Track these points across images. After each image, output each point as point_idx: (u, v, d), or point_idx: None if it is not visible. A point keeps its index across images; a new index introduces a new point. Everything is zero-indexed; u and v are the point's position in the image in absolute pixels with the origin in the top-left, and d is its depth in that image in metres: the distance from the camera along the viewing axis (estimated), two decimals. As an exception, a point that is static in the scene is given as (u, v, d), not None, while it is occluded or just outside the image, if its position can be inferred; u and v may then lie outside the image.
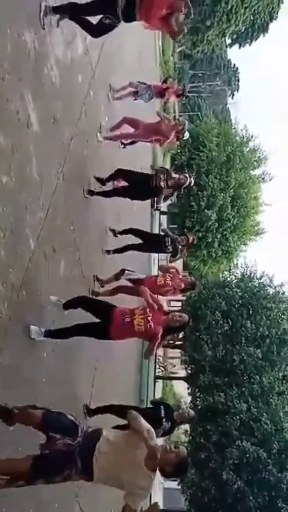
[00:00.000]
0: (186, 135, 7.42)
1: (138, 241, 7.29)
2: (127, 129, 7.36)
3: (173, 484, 22.82)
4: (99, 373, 6.36)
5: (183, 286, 6.43)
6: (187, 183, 6.90)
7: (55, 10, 4.12)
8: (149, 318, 4.22)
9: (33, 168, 3.84)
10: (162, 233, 7.80)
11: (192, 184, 7.34)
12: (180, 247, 7.07)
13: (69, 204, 5.06)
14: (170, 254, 7.35)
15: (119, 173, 6.60)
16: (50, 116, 4.34)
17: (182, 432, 22.39)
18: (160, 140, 7.31)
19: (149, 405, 6.42)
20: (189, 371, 19.34)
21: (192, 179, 7.29)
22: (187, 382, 20.34)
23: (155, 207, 20.89)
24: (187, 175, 7.04)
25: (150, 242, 7.47)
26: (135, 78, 8.19)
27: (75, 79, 5.46)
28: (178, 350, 24.31)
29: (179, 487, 19.91)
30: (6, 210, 3.29)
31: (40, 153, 3.96)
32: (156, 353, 4.57)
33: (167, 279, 6.36)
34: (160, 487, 26.46)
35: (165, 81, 8.21)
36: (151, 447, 2.79)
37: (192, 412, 5.49)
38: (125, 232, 7.37)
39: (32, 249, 3.81)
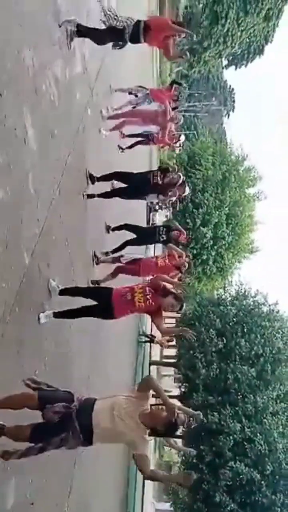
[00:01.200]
0: (182, 138, 7.59)
1: (132, 236, 7.42)
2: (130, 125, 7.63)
3: (166, 506, 22.39)
4: (92, 382, 6.26)
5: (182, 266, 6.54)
6: (180, 181, 7.07)
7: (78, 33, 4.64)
8: (147, 296, 4.43)
9: (29, 184, 3.83)
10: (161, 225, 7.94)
11: (187, 189, 7.45)
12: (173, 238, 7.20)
13: (65, 219, 5.05)
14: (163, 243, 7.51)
15: (116, 175, 6.74)
16: (47, 132, 4.36)
17: (175, 451, 22.08)
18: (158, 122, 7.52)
19: None
20: (183, 390, 19.14)
21: (187, 188, 7.47)
22: (180, 400, 20.12)
23: (151, 224, 21.00)
24: (180, 174, 7.21)
25: (144, 235, 7.61)
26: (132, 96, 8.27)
27: (73, 96, 5.51)
28: (172, 368, 24.14)
29: (172, 508, 19.54)
30: (1, 224, 3.27)
31: (36, 169, 3.96)
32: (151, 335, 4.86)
33: (166, 261, 6.50)
34: (151, 508, 25.93)
35: (171, 84, 8.36)
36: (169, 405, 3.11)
37: (182, 416, 5.33)
38: (119, 228, 7.48)
39: (27, 265, 3.78)
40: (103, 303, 4.54)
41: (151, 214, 19.55)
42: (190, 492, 16.13)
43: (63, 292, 4.49)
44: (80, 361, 5.70)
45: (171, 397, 27.01)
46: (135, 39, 4.98)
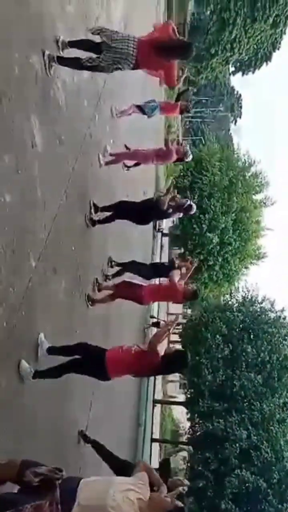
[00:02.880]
0: (190, 156, 7.51)
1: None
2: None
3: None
4: (96, 397, 6.24)
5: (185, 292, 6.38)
6: (186, 204, 6.96)
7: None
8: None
9: (36, 189, 3.85)
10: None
11: (193, 208, 7.41)
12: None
13: (72, 224, 5.07)
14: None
15: (121, 205, 6.58)
16: (55, 137, 4.38)
17: (180, 458, 21.93)
18: (162, 160, 7.47)
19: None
20: (188, 396, 19.03)
21: (192, 203, 7.38)
22: (186, 407, 20.02)
23: (157, 229, 20.99)
24: (187, 199, 7.18)
25: (147, 272, 7.33)
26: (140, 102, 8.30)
27: (81, 102, 5.54)
28: (177, 374, 23.99)
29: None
30: (8, 229, 3.28)
31: (44, 174, 3.98)
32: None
33: (170, 287, 6.33)
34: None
35: (178, 99, 8.35)
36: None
37: (186, 483, 5.16)
38: (122, 266, 7.20)
39: (33, 269, 3.78)
40: (96, 364, 4.01)
41: (157, 221, 19.49)
42: (196, 500, 16.00)
43: (51, 350, 3.95)
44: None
45: (176, 403, 26.76)
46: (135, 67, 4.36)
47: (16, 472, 2.58)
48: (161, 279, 6.92)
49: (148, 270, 7.29)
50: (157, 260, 17.97)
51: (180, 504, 2.77)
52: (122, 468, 4.69)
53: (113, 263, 7.28)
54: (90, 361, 4.04)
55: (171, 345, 4.45)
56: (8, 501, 2.41)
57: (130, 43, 4.13)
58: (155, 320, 15.55)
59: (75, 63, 4.31)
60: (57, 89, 4.41)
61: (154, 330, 15.97)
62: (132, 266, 7.17)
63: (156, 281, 7.64)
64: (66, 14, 4.65)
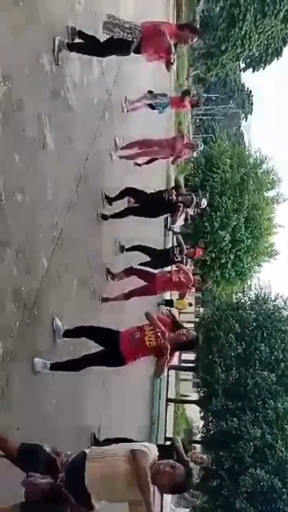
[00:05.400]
0: (200, 149, 7.50)
1: (146, 258, 7.29)
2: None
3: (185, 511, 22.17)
4: (109, 396, 6.26)
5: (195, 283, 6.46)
6: (195, 200, 6.95)
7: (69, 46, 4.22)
8: (159, 334, 4.04)
9: (47, 187, 3.86)
10: (175, 243, 7.83)
11: (204, 204, 7.38)
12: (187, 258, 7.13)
13: (83, 223, 5.07)
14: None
15: (129, 192, 6.65)
16: (65, 136, 4.39)
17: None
18: (173, 155, 7.43)
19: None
20: (202, 395, 18.98)
21: (204, 200, 7.34)
22: (199, 405, 19.97)
23: (168, 228, 20.93)
24: (193, 195, 7.12)
25: (158, 258, 7.45)
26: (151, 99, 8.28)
27: (91, 101, 5.54)
28: (191, 372, 23.96)
29: (191, 515, 19.33)
30: (20, 228, 3.29)
31: (55, 173, 3.99)
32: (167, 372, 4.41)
33: (181, 276, 6.39)
34: (170, 515, 25.73)
35: (184, 93, 8.33)
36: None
37: (205, 458, 5.12)
38: (132, 249, 7.35)
39: (45, 268, 3.80)
40: (110, 347, 4.08)
41: (168, 219, 19.45)
42: (210, 498, 15.96)
43: (68, 334, 4.07)
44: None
45: (190, 402, 26.70)
46: (138, 49, 4.44)
47: (14, 455, 2.61)
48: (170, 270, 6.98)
49: (156, 256, 7.34)
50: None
51: None
52: None
53: (123, 248, 7.37)
54: (103, 343, 4.13)
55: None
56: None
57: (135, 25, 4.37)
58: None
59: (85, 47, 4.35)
60: (67, 89, 4.42)
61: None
62: (141, 249, 7.29)
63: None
64: (76, 14, 4.65)
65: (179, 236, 9.22)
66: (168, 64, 4.72)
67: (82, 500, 2.57)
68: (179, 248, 7.24)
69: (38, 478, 2.52)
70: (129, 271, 6.72)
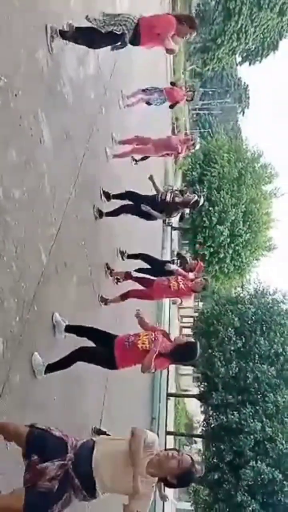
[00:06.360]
0: (197, 146, 7.41)
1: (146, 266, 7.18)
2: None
3: (186, 505, 22.32)
4: (110, 391, 6.27)
5: (195, 288, 6.32)
6: (193, 200, 6.82)
7: (62, 34, 4.18)
8: (153, 339, 3.97)
9: (45, 183, 3.85)
10: (175, 257, 7.73)
11: (201, 202, 7.27)
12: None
13: (81, 219, 5.07)
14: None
15: (128, 195, 6.60)
16: (62, 132, 4.38)
17: (195, 451, 22.00)
18: (171, 154, 7.35)
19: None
20: (202, 389, 19.05)
21: (201, 198, 7.24)
22: (199, 400, 20.04)
23: (166, 223, 20.93)
24: (194, 195, 7.01)
25: (159, 268, 7.31)
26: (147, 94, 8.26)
27: (87, 96, 5.52)
28: (190, 367, 24.02)
29: (192, 508, 19.45)
30: (19, 224, 3.29)
31: (52, 169, 3.98)
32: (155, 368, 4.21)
33: (180, 282, 6.28)
34: (172, 508, 25.89)
35: (173, 84, 8.29)
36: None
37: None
38: (134, 257, 7.23)
39: (44, 264, 3.80)
40: (104, 353, 4.05)
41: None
42: (211, 492, 16.05)
43: (69, 329, 4.11)
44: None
45: (190, 396, 26.77)
46: (136, 41, 4.41)
47: (23, 442, 2.62)
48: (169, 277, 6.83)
49: (159, 266, 7.23)
50: (168, 254, 17.92)
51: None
52: None
53: (124, 254, 7.28)
54: (100, 346, 4.11)
55: (182, 336, 4.31)
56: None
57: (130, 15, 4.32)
58: None
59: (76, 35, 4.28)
60: (63, 84, 4.40)
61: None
62: (144, 258, 7.17)
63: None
64: (70, 10, 4.62)
65: (181, 252, 9.05)
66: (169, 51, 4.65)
67: (87, 484, 2.58)
68: (180, 261, 7.08)
69: (48, 465, 2.52)
70: (128, 277, 6.60)
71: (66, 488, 2.53)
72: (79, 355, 3.98)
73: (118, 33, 4.17)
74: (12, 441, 2.70)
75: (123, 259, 7.27)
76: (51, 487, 2.47)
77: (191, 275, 6.37)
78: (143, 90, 7.79)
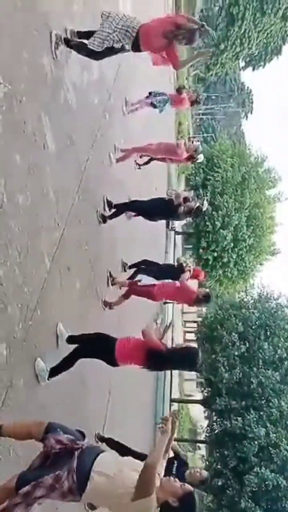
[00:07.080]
0: (201, 157, 7.39)
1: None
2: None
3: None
4: (113, 396, 6.25)
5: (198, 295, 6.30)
6: (196, 206, 6.81)
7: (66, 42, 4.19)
8: None
9: (49, 188, 3.86)
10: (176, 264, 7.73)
11: (205, 207, 7.26)
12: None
13: (84, 224, 5.07)
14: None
15: (133, 204, 6.61)
16: (66, 137, 4.39)
17: (198, 457, 21.86)
18: (174, 160, 7.37)
19: None
20: (205, 394, 18.95)
21: (205, 201, 7.24)
22: (203, 405, 19.94)
23: (170, 228, 20.94)
24: (197, 202, 6.99)
25: (162, 271, 7.28)
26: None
27: (91, 101, 5.54)
28: (194, 372, 23.90)
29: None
30: (22, 229, 3.29)
31: (56, 174, 3.99)
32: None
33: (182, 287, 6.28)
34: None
35: (178, 90, 8.26)
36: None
37: (204, 473, 5.01)
38: (136, 266, 7.17)
39: (48, 269, 3.79)
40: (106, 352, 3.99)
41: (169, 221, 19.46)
42: (215, 498, 15.93)
43: (72, 340, 4.04)
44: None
45: (193, 402, 26.59)
46: (137, 49, 4.32)
47: (42, 431, 2.71)
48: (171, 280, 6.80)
49: (159, 270, 7.22)
50: (171, 259, 17.89)
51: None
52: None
53: (125, 266, 7.26)
54: (101, 348, 4.02)
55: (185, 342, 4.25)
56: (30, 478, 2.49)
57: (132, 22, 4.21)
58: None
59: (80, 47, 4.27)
60: (67, 89, 4.41)
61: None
62: (145, 266, 7.14)
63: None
64: (73, 13, 4.65)
65: (181, 258, 9.04)
66: (176, 65, 4.60)
67: (79, 481, 2.51)
68: (179, 268, 7.08)
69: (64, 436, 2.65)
70: (130, 292, 6.43)
71: (62, 464, 2.54)
72: (82, 348, 3.94)
73: (118, 47, 4.17)
74: (24, 439, 2.79)
75: (125, 270, 7.25)
76: (52, 446, 2.57)
77: (194, 284, 6.36)
78: (148, 95, 7.78)
